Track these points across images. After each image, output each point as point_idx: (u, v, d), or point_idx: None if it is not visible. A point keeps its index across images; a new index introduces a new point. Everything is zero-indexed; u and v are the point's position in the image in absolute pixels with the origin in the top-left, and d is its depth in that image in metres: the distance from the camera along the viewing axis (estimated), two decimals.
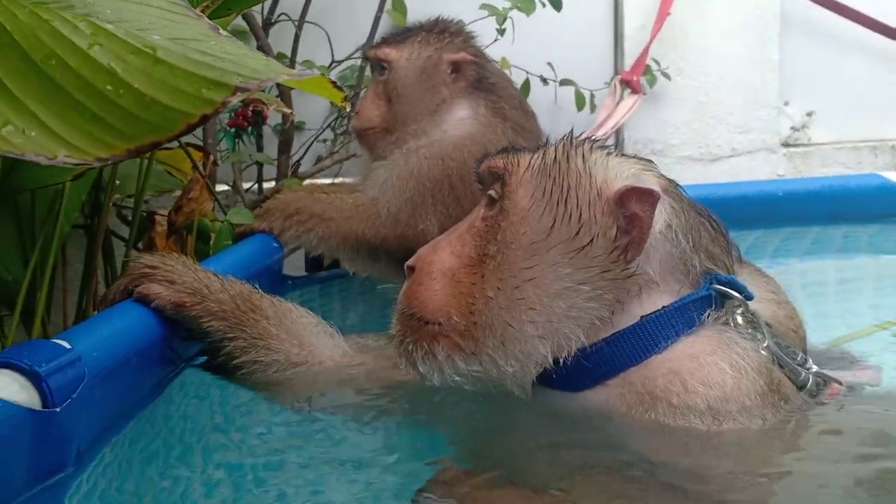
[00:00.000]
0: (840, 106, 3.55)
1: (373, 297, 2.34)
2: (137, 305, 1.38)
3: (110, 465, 1.17)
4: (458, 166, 2.15)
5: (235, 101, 0.79)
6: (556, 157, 1.24)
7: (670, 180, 1.30)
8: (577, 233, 1.18)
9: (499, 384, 1.23)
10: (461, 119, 2.22)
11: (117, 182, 2.07)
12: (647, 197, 1.18)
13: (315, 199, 2.24)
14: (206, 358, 1.47)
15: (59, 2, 0.84)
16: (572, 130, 1.31)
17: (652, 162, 1.30)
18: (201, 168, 2.18)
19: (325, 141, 3.00)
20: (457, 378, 1.23)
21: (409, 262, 1.30)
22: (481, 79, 2.26)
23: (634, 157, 1.30)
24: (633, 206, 1.18)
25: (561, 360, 1.18)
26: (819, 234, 2.74)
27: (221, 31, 0.89)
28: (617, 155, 1.27)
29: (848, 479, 1.07)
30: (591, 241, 1.18)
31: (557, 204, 1.20)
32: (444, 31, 2.30)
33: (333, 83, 0.90)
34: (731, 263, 1.31)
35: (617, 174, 1.21)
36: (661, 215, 1.21)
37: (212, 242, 2.15)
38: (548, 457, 1.16)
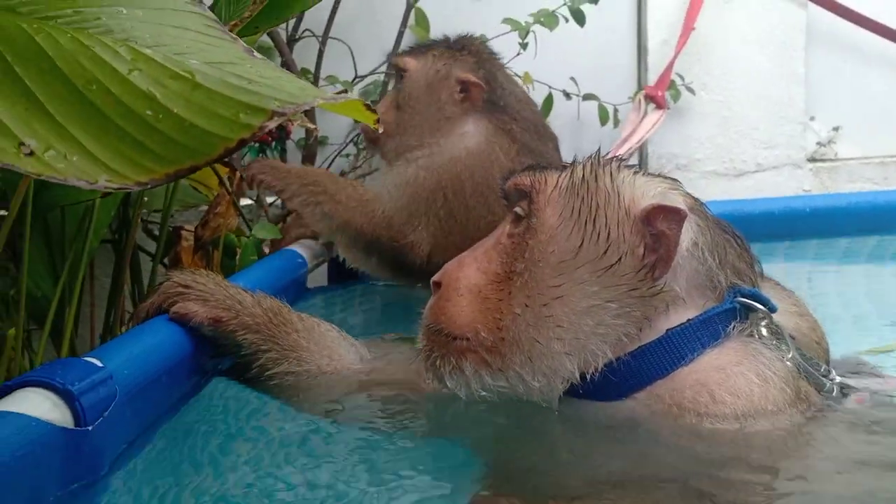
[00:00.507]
0: (867, 120, 3.51)
1: (393, 305, 2.36)
2: (167, 323, 1.39)
3: (138, 477, 1.18)
4: (451, 179, 2.19)
5: (272, 125, 0.80)
6: (583, 175, 1.25)
7: (696, 199, 1.31)
8: (606, 251, 1.19)
9: (525, 398, 1.23)
10: (462, 134, 2.24)
11: (145, 198, 2.09)
12: (674, 215, 1.18)
13: (332, 179, 2.32)
14: (232, 366, 1.48)
15: (98, 27, 0.86)
16: (599, 149, 1.32)
17: (678, 181, 1.31)
18: (227, 184, 2.20)
19: (347, 156, 3.02)
20: (483, 393, 1.24)
21: (436, 278, 1.31)
22: (492, 101, 2.27)
23: (660, 175, 1.30)
24: (660, 224, 1.18)
25: (588, 375, 1.19)
26: (847, 249, 2.71)
27: (256, 53, 0.90)
28: (644, 174, 1.28)
29: (876, 485, 1.06)
30: (619, 259, 1.18)
31: (586, 223, 1.20)
32: (462, 48, 2.31)
33: (367, 105, 0.91)
34: (755, 278, 1.31)
35: (644, 193, 1.22)
36: (688, 233, 1.22)
37: (238, 258, 2.17)
38: (577, 470, 1.16)
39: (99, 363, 1.13)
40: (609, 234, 1.19)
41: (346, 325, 1.57)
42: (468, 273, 1.28)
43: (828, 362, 1.41)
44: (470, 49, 2.32)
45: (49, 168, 0.76)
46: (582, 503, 1.03)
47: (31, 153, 0.76)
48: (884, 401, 1.33)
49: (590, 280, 1.18)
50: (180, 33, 0.89)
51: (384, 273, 2.31)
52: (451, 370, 1.24)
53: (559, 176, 1.27)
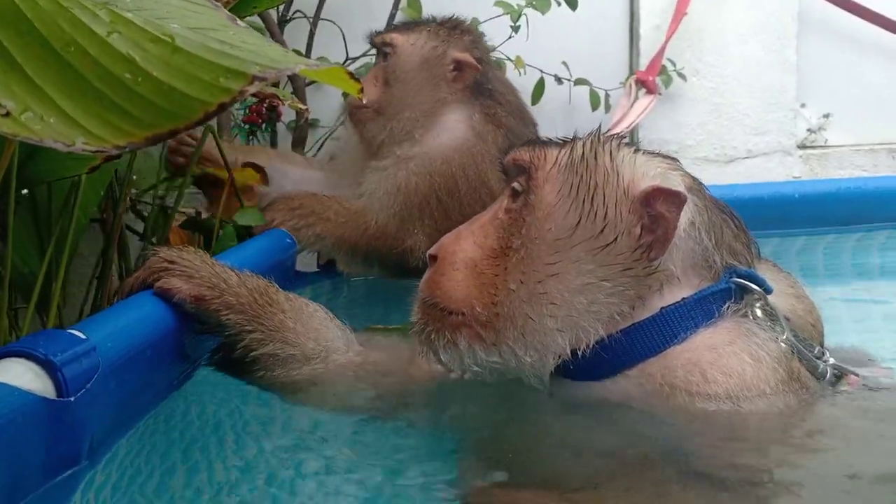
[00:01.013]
0: (857, 108, 3.51)
1: (383, 291, 2.36)
2: (152, 297, 1.38)
3: (124, 461, 1.17)
4: (444, 181, 2.18)
5: (253, 90, 0.79)
6: (583, 153, 1.24)
7: (694, 178, 1.30)
8: (602, 230, 1.18)
9: (516, 374, 1.23)
10: (452, 127, 2.23)
11: (134, 177, 2.08)
12: (674, 198, 1.18)
13: (317, 200, 2.29)
14: (220, 355, 1.47)
15: None
16: (599, 127, 1.31)
17: (677, 160, 1.30)
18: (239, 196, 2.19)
19: (338, 138, 3.00)
20: (476, 368, 1.24)
21: (432, 251, 1.31)
22: (481, 83, 2.26)
23: (660, 154, 1.29)
24: (659, 206, 1.18)
25: (579, 352, 1.19)
26: (836, 235, 2.72)
27: (239, 21, 0.90)
28: (643, 153, 1.27)
29: (871, 466, 1.07)
30: (616, 239, 1.18)
31: (584, 201, 1.20)
32: (455, 27, 2.30)
33: (350, 74, 0.90)
34: (752, 259, 1.32)
35: (644, 173, 1.21)
36: (686, 214, 1.22)
37: (213, 243, 2.15)
38: (569, 455, 1.16)
39: (82, 335, 1.12)
40: (607, 213, 1.19)
41: (336, 313, 1.56)
42: (464, 247, 1.27)
43: (822, 344, 1.41)
44: (462, 29, 2.31)
45: (25, 129, 0.75)
46: (577, 493, 1.02)
47: (8, 114, 0.75)
48: (876, 385, 1.34)
49: (585, 258, 1.18)
50: None
51: (391, 276, 2.29)
52: (445, 344, 1.24)
53: (559, 153, 1.26)
